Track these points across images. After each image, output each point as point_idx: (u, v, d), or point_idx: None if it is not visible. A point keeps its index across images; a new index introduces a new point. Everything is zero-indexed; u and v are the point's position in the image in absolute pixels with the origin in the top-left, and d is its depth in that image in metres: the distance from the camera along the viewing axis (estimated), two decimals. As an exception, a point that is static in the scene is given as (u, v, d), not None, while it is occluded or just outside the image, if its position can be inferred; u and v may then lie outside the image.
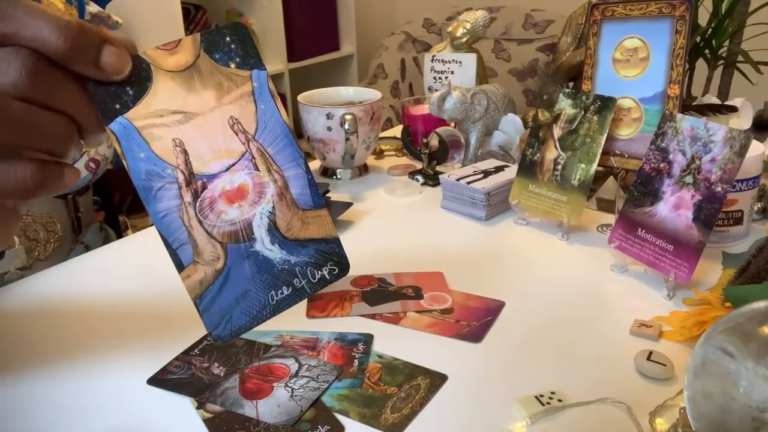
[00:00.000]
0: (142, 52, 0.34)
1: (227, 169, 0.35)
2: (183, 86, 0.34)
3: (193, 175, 0.35)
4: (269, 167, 0.36)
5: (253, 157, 0.36)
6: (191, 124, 0.35)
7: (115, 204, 1.11)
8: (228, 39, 0.35)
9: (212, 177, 0.35)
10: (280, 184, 0.37)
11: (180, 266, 0.35)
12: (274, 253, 0.37)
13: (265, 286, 0.36)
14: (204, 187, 0.35)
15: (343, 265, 0.38)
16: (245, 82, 0.36)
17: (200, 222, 0.35)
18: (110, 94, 0.33)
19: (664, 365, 0.57)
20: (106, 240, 0.97)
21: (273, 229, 0.37)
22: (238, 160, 0.36)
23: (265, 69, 0.36)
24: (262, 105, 0.36)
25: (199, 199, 0.35)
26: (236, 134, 0.36)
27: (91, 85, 0.32)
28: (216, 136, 0.35)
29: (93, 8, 0.91)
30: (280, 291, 0.37)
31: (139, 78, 0.33)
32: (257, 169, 0.36)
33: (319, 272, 0.38)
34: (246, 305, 0.36)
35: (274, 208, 0.37)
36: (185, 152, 0.35)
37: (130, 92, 0.33)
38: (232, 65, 0.35)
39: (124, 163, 0.33)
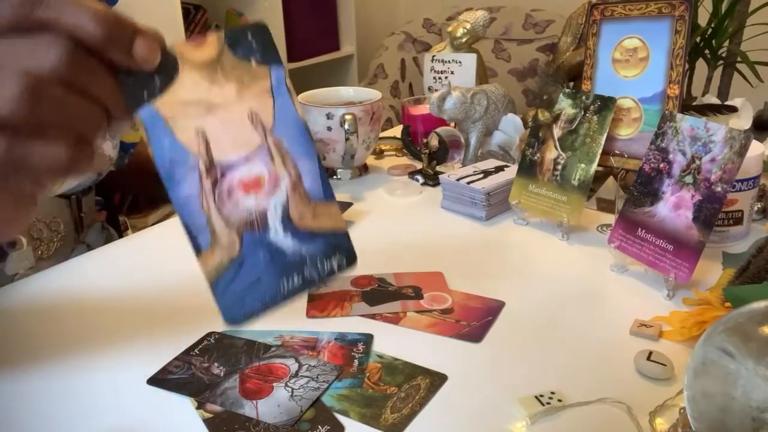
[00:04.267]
0: (170, 45, 0.35)
1: (245, 160, 0.37)
2: (207, 79, 0.36)
3: (213, 164, 0.36)
4: (284, 160, 0.38)
5: (270, 150, 0.37)
6: (213, 116, 0.36)
7: (115, 204, 1.11)
8: (250, 37, 0.37)
9: (231, 166, 0.36)
10: (294, 176, 0.38)
11: (198, 251, 0.36)
12: (286, 242, 0.38)
13: (276, 274, 0.38)
14: (223, 176, 0.36)
15: (351, 257, 0.40)
16: (264, 78, 0.37)
17: (218, 209, 0.36)
18: (139, 83, 0.34)
19: (664, 365, 0.57)
20: (108, 239, 0.97)
21: (286, 219, 0.38)
22: (256, 151, 0.37)
23: (283, 66, 0.38)
24: (279, 100, 0.37)
25: (218, 187, 0.36)
26: (254, 127, 0.37)
27: (122, 73, 0.33)
28: (236, 127, 0.37)
29: None
30: (290, 279, 0.38)
31: (167, 69, 0.35)
32: (273, 161, 0.37)
33: (328, 263, 0.39)
34: (258, 292, 0.38)
35: (287, 198, 0.38)
36: (207, 141, 0.36)
37: (158, 82, 0.35)
38: (253, 62, 0.37)
39: (150, 149, 0.35)
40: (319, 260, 0.39)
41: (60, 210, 0.87)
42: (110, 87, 0.33)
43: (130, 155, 1.00)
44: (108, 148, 0.88)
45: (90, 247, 0.92)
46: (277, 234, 0.38)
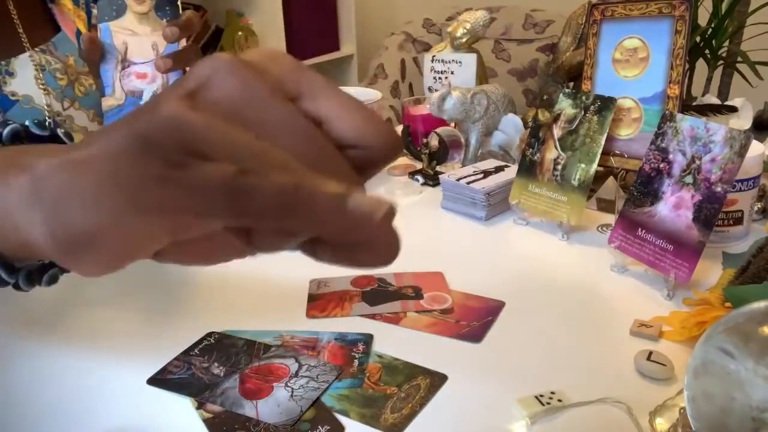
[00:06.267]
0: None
1: (142, 64, 0.74)
2: (137, 20, 0.74)
3: (126, 59, 0.74)
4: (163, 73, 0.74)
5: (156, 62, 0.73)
6: (134, 37, 0.74)
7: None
8: (167, 7, 0.74)
9: (134, 63, 0.74)
10: (165, 79, 0.74)
11: (103, 94, 0.75)
12: None
13: None
14: (128, 66, 0.74)
15: None
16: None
17: (120, 80, 0.74)
18: (105, 11, 0.73)
19: (664, 365, 0.57)
20: None
21: None
22: (148, 61, 0.74)
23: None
24: (171, 44, 0.73)
25: (124, 71, 0.74)
26: (153, 50, 0.74)
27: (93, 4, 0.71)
28: (144, 47, 0.74)
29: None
30: None
31: (120, 8, 0.73)
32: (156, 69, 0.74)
33: None
34: None
35: (159, 88, 0.74)
36: (126, 48, 0.74)
37: (114, 13, 0.74)
38: (164, 20, 0.74)
39: (99, 42, 0.74)
40: None
41: None
42: None
43: None
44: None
45: None
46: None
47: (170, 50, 0.74)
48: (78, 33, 0.90)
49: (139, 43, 0.75)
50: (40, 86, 0.82)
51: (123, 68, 0.75)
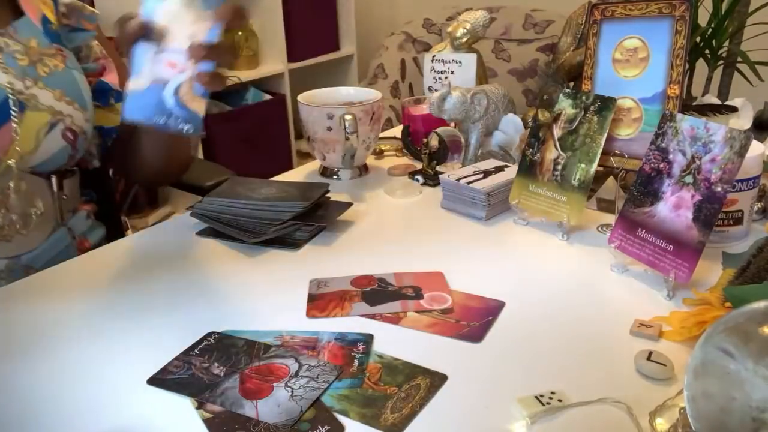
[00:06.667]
0: None
1: (176, 52, 0.68)
2: (182, 4, 0.68)
3: (163, 48, 0.69)
4: (195, 63, 0.68)
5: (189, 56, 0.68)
6: (176, 25, 0.69)
7: (116, 203, 1.11)
8: (213, 1, 0.68)
9: (167, 51, 0.69)
10: (192, 74, 0.68)
11: (130, 76, 0.70)
12: (169, 100, 0.69)
13: (156, 111, 0.69)
14: (162, 53, 0.69)
15: (199, 129, 0.70)
16: (208, 22, 0.68)
17: (149, 65, 0.69)
18: None
19: (664, 365, 0.57)
20: (92, 228, 0.97)
21: (177, 90, 0.69)
22: (184, 52, 0.68)
23: (220, 26, 0.69)
24: (209, 37, 0.68)
25: (157, 56, 0.69)
26: (190, 40, 0.68)
27: None
28: (182, 35, 0.68)
29: None
30: (160, 118, 0.69)
31: None
32: (189, 60, 0.68)
33: (184, 125, 0.69)
34: (144, 111, 0.69)
35: (182, 83, 0.68)
36: (165, 33, 0.69)
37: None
38: (208, 12, 0.69)
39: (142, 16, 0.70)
40: (180, 121, 0.69)
41: (38, 188, 0.86)
42: None
43: (115, 140, 0.99)
44: (80, 119, 0.88)
45: (71, 230, 0.92)
46: (168, 93, 0.69)
47: (208, 41, 0.69)
48: (45, 20, 0.89)
49: (178, 31, 0.70)
50: None
51: (157, 53, 0.70)
